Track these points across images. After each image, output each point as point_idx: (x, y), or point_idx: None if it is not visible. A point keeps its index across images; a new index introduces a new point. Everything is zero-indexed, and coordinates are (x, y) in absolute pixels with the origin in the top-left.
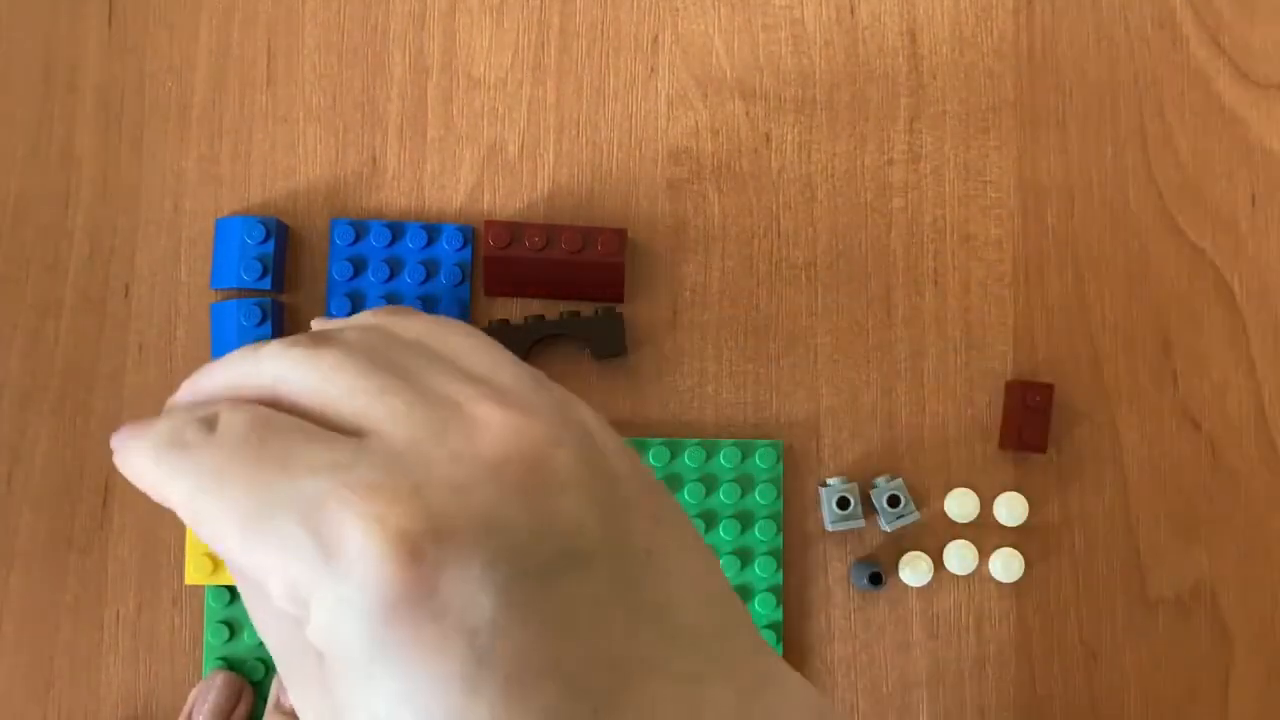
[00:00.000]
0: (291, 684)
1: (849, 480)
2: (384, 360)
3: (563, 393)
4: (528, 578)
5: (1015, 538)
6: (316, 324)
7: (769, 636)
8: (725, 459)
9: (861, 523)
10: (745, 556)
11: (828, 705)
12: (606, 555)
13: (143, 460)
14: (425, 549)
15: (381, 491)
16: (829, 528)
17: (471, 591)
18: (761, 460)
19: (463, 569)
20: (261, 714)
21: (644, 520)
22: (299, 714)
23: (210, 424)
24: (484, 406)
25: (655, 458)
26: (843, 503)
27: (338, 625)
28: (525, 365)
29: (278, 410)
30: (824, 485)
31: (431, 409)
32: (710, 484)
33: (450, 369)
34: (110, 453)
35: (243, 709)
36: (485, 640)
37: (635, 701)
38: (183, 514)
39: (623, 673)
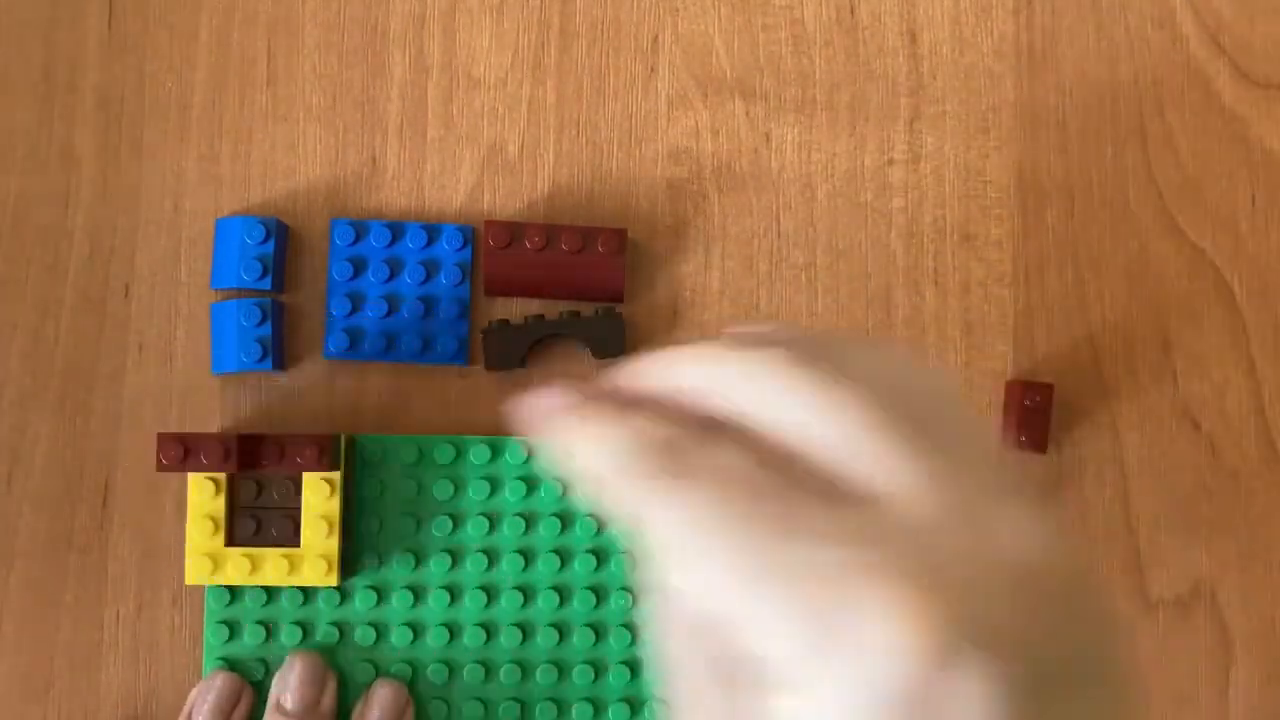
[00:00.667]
0: (684, 705)
1: None
2: (902, 409)
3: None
4: (1034, 697)
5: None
6: (740, 331)
7: None
8: None
9: None
10: None
11: None
12: (1096, 678)
13: (607, 462)
14: (954, 655)
15: (912, 579)
16: None
17: (983, 706)
18: None
19: (978, 680)
20: (262, 714)
21: (1121, 662)
22: None
23: (691, 457)
24: (1006, 500)
25: None
26: None
27: (828, 710)
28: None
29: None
30: None
31: (955, 485)
32: None
33: (952, 430)
34: (110, 453)
35: (243, 709)
36: None
37: None
38: (649, 529)
39: None
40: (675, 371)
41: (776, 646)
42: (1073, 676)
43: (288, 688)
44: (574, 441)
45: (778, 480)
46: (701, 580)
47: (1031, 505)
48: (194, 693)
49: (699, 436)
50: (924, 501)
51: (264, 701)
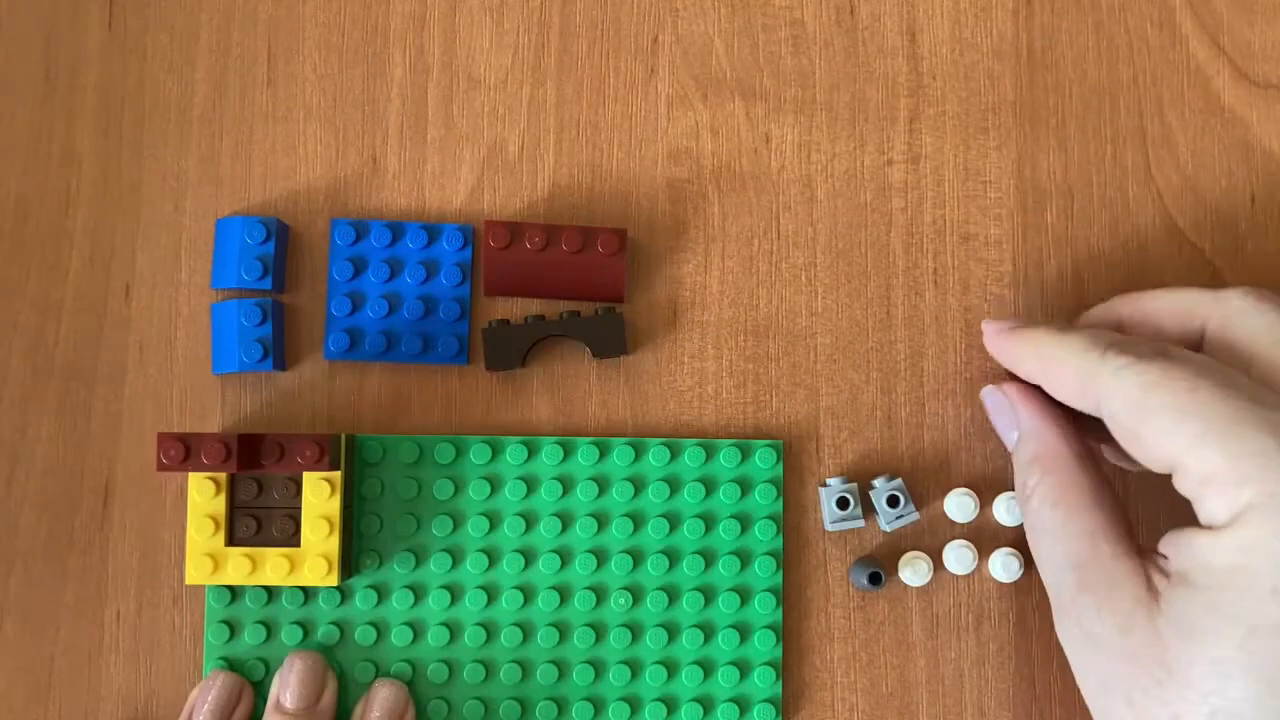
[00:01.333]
0: (1118, 689)
1: (849, 480)
2: None
3: None
4: None
5: (1015, 538)
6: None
7: (768, 637)
8: (725, 459)
9: (861, 522)
10: (745, 557)
11: None
12: None
13: (1079, 352)
14: None
15: None
16: (829, 528)
17: None
18: (761, 460)
19: None
20: (262, 714)
21: None
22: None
23: (1160, 349)
24: None
25: (655, 458)
26: (842, 503)
27: (1276, 534)
28: None
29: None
30: (824, 485)
31: None
32: (710, 484)
33: None
34: (110, 453)
35: (243, 709)
36: None
37: None
38: (1119, 412)
39: None
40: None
41: (1242, 483)
42: None
43: (287, 687)
44: (1034, 345)
45: (1229, 369)
46: (1170, 432)
47: None
48: (194, 693)
49: (1151, 341)
50: None
51: (264, 701)
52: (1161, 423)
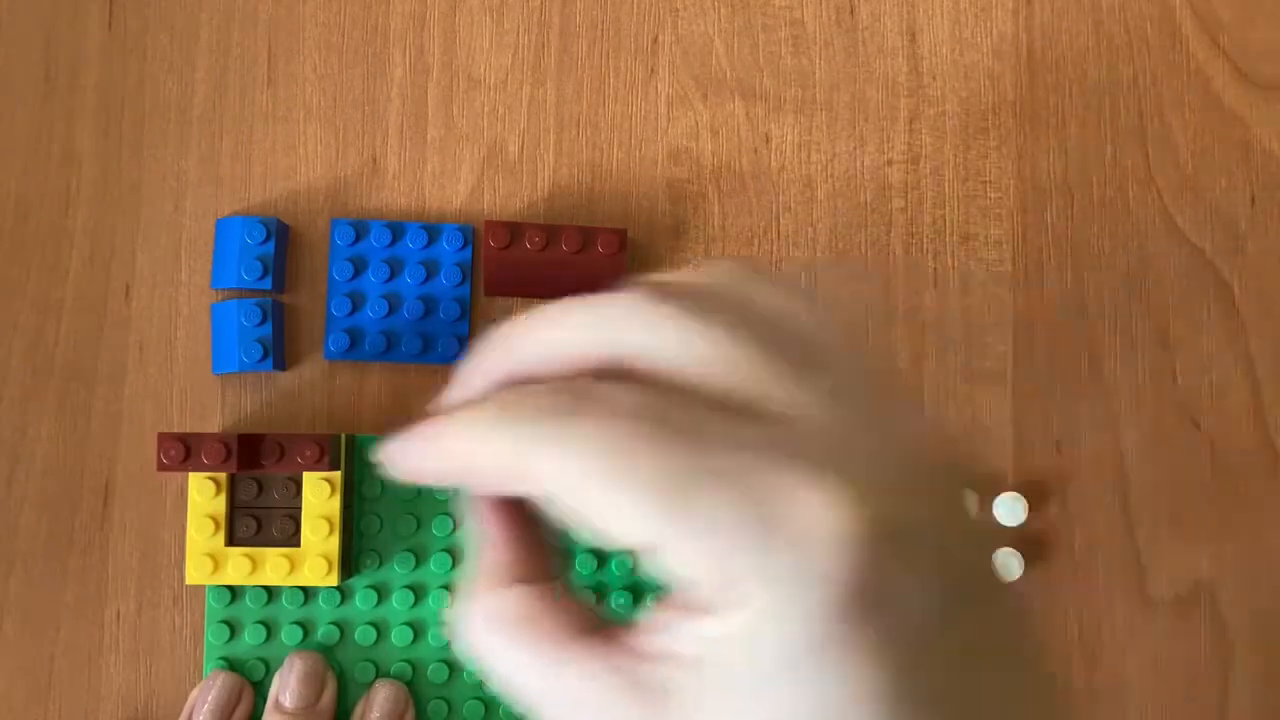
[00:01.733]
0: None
1: None
2: (782, 335)
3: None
4: (964, 590)
5: (1015, 538)
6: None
7: None
8: None
9: None
10: None
11: None
12: (999, 600)
13: (488, 427)
14: (883, 540)
15: (840, 473)
16: None
17: (914, 595)
18: None
19: (911, 571)
20: (261, 714)
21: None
22: None
23: (589, 395)
24: (896, 407)
25: None
26: None
27: (777, 616)
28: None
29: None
30: None
31: (851, 400)
32: None
33: (835, 352)
34: (110, 453)
35: (243, 709)
36: (917, 647)
37: None
38: (562, 493)
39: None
40: (542, 329)
41: (713, 555)
42: (987, 585)
43: (287, 687)
44: (460, 433)
45: (681, 403)
46: (617, 510)
47: (917, 409)
48: (194, 693)
49: (586, 380)
50: (826, 413)
51: (264, 701)
52: (602, 496)
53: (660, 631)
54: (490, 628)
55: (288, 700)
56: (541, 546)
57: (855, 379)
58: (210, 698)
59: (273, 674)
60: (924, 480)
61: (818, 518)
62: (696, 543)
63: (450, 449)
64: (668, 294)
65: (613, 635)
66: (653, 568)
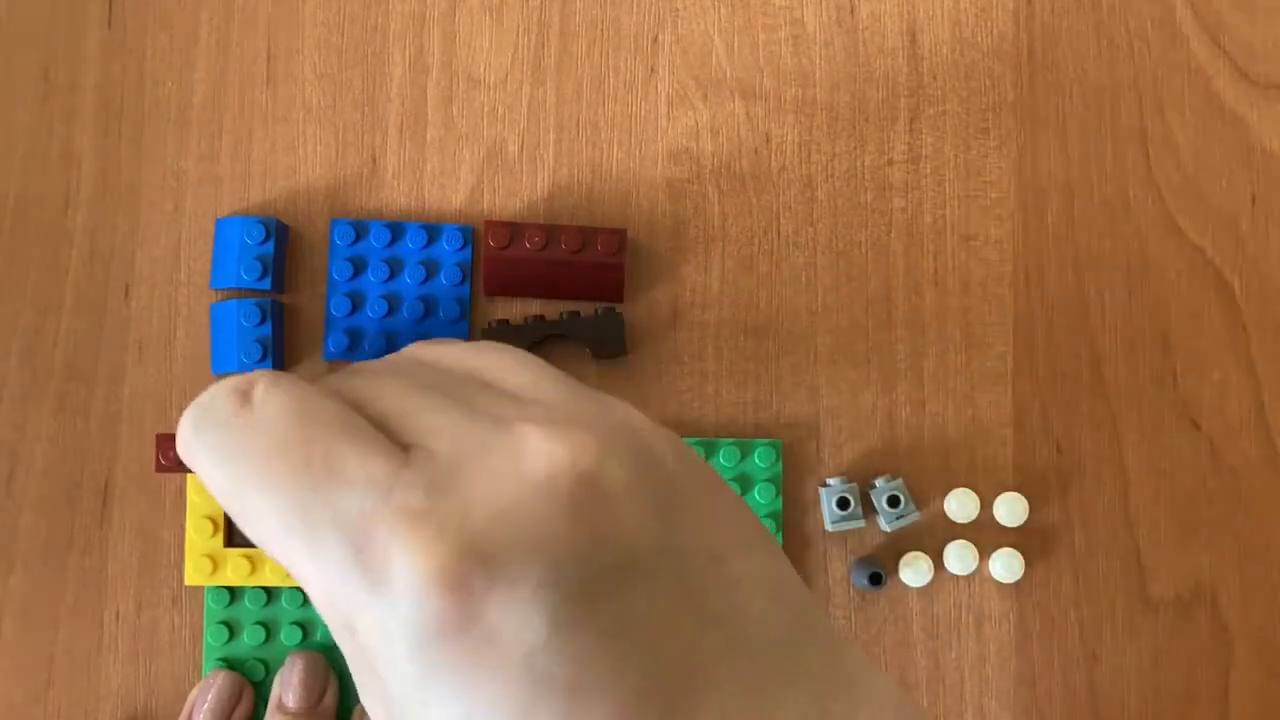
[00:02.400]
0: (357, 682)
1: (849, 480)
2: (429, 381)
3: (611, 401)
4: (583, 595)
5: (1015, 538)
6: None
7: None
8: (724, 458)
9: (861, 523)
10: None
11: (912, 704)
12: (667, 565)
13: (183, 432)
14: (473, 577)
15: (427, 518)
16: (829, 528)
17: (523, 614)
18: (760, 460)
19: (512, 592)
20: (262, 714)
21: (706, 524)
22: (369, 711)
23: (245, 396)
24: (529, 425)
25: None
26: (843, 503)
27: (386, 647)
28: (568, 378)
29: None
30: (824, 485)
31: (476, 427)
32: None
33: (493, 390)
34: (110, 453)
35: (243, 709)
36: (542, 661)
37: (702, 713)
38: (219, 498)
39: (688, 684)
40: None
41: (327, 587)
42: (634, 564)
43: (289, 687)
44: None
45: (326, 424)
46: (258, 534)
47: (558, 423)
48: (194, 693)
49: (244, 382)
50: (445, 443)
51: (264, 702)
52: (237, 508)
53: None
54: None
55: (291, 701)
56: None
57: (491, 404)
58: (210, 697)
59: (272, 675)
60: (550, 492)
61: (407, 568)
62: (310, 572)
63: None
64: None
65: None
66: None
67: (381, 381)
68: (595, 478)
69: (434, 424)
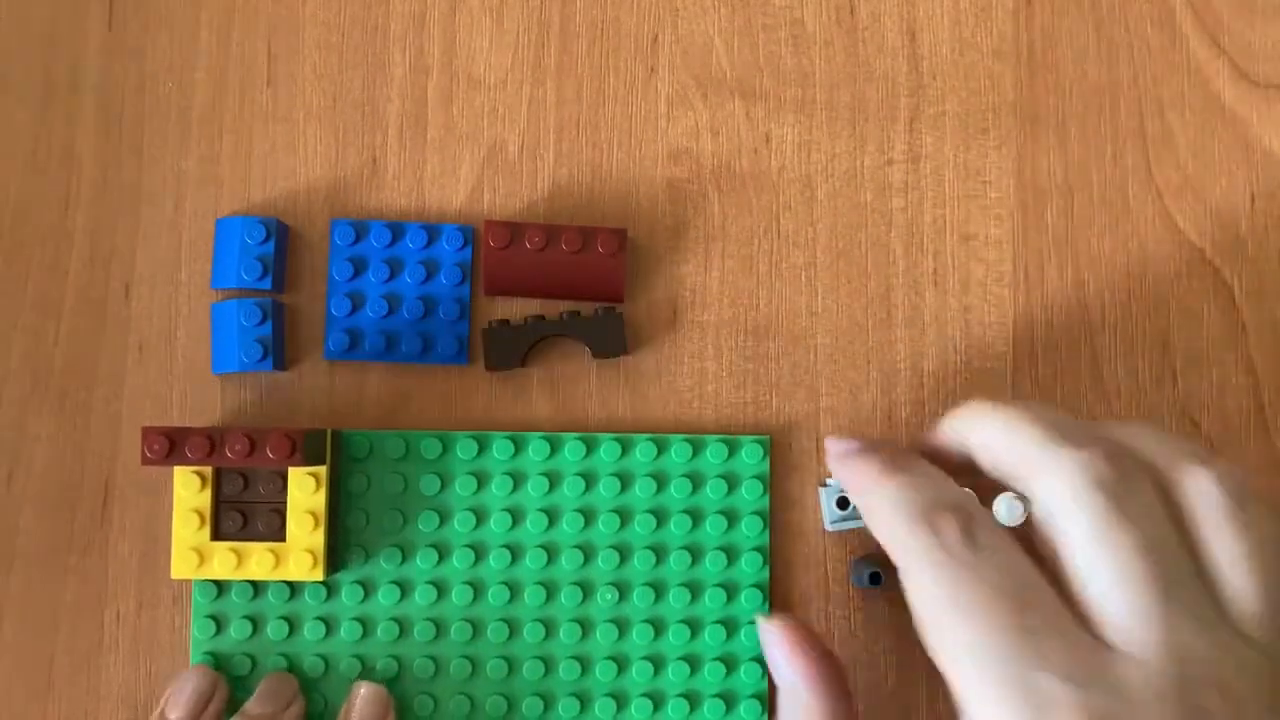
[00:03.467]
0: None
1: None
2: (1170, 556)
3: None
4: None
5: (1015, 538)
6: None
7: (754, 633)
8: (712, 454)
9: (860, 522)
10: (731, 552)
11: None
12: None
13: (887, 512)
14: None
15: None
16: (829, 528)
17: None
18: (748, 456)
19: None
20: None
21: None
22: None
23: (971, 535)
24: (1233, 647)
25: (642, 453)
26: (842, 503)
27: None
28: None
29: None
30: (824, 485)
31: (1179, 663)
32: (697, 480)
33: (1209, 577)
34: (110, 453)
35: (216, 704)
36: None
37: None
38: (908, 595)
39: None
40: (1009, 436)
41: None
42: None
43: (255, 697)
44: (863, 488)
45: (1043, 589)
46: (948, 659)
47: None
48: (168, 690)
49: (984, 513)
50: (1149, 672)
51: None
52: (937, 633)
53: None
54: None
55: (253, 705)
56: (848, 706)
57: (1221, 640)
58: (186, 690)
59: (259, 668)
60: None
61: None
62: (978, 710)
63: (866, 506)
64: (1107, 471)
65: None
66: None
67: (1137, 552)
68: None
69: (1160, 637)
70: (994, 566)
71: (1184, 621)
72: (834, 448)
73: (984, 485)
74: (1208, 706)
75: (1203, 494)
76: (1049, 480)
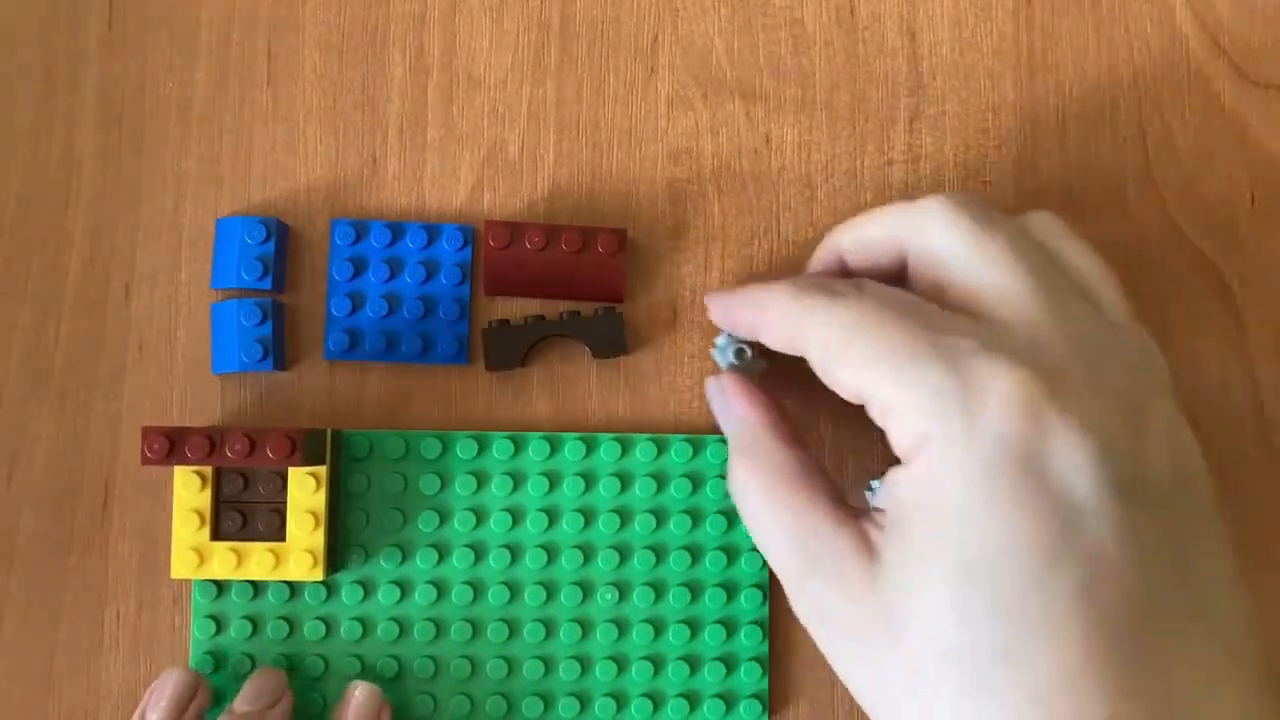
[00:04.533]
0: (820, 603)
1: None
2: (1032, 251)
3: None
4: (1116, 489)
5: None
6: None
7: (755, 632)
8: (712, 454)
9: (763, 362)
10: (731, 552)
11: None
12: (1177, 508)
13: (782, 301)
14: (1048, 418)
15: (1024, 360)
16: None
17: (1072, 469)
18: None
19: (1071, 448)
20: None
21: (1207, 497)
22: (832, 650)
23: (860, 286)
24: (1109, 326)
25: (642, 453)
26: (739, 354)
27: (951, 464)
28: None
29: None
30: (714, 348)
31: (1061, 309)
32: (697, 479)
33: (1078, 284)
34: (110, 453)
35: (197, 705)
36: (1073, 520)
37: (1172, 648)
38: (815, 353)
39: (1169, 624)
40: (860, 234)
41: (918, 410)
42: (1156, 492)
43: (241, 695)
44: (742, 303)
45: (921, 302)
46: (858, 367)
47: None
48: (149, 690)
49: (851, 279)
50: (1037, 324)
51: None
52: (849, 359)
53: (879, 496)
54: (759, 485)
55: (238, 702)
56: (791, 419)
57: (1085, 313)
58: (166, 691)
59: (259, 669)
60: (1119, 400)
61: (1004, 391)
62: (905, 398)
63: (758, 310)
64: (968, 204)
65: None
66: (872, 417)
67: (1003, 249)
68: (1148, 409)
69: (1026, 295)
70: (884, 294)
71: (1068, 300)
72: (714, 299)
73: None
74: (1100, 361)
75: (1047, 223)
76: (923, 226)
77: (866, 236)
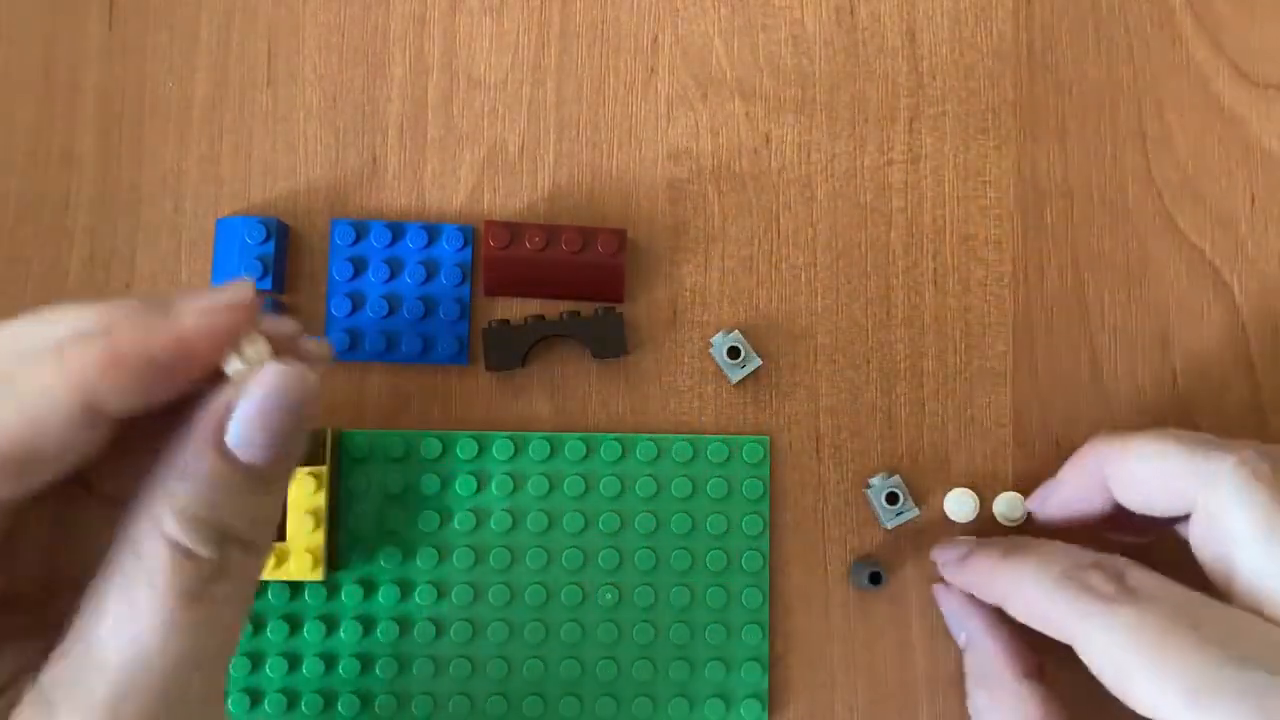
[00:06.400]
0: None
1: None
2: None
3: None
4: None
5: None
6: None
7: (754, 632)
8: (712, 454)
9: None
10: (731, 552)
11: None
12: None
13: (1034, 593)
14: None
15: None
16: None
17: None
18: (748, 455)
19: None
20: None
21: None
22: None
23: (1122, 580)
24: None
25: (642, 453)
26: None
27: None
28: None
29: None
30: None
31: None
32: (697, 479)
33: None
34: None
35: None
36: None
37: None
38: (1095, 661)
39: None
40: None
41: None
42: None
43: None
44: (990, 580)
45: (1213, 603)
46: (1145, 688)
47: None
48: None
49: (1125, 560)
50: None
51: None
52: (1134, 677)
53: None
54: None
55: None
56: (1028, 646)
57: None
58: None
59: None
60: None
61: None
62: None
63: (1011, 585)
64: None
65: None
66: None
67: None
68: None
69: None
70: (1158, 600)
71: None
72: (945, 555)
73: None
74: None
75: None
76: (1215, 487)
77: (1143, 477)
